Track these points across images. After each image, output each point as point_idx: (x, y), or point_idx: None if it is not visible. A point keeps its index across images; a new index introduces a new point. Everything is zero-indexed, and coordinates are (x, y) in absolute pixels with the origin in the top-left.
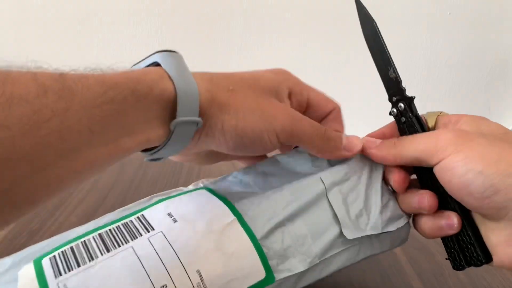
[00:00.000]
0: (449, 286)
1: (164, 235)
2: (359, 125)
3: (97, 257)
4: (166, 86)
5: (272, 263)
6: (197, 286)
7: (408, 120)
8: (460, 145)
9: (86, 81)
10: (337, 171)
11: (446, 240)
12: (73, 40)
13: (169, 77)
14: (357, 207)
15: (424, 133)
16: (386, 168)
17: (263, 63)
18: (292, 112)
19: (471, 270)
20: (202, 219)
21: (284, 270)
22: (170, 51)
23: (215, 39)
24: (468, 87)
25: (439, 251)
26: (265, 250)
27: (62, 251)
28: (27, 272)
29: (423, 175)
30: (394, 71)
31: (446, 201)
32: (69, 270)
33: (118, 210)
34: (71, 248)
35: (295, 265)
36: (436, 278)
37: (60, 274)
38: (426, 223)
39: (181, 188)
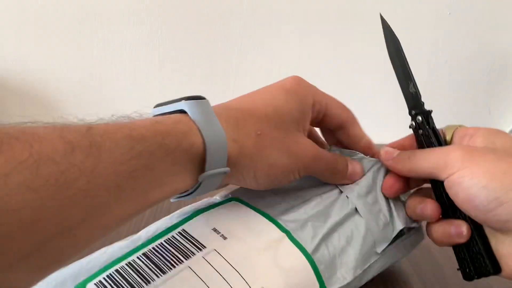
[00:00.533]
0: (449, 286)
1: (218, 252)
2: (361, 124)
3: (153, 280)
4: (194, 140)
5: (323, 275)
6: None
7: (425, 132)
8: (467, 161)
9: (113, 136)
10: (360, 187)
11: (457, 250)
12: (73, 40)
13: (198, 129)
14: (383, 217)
15: (437, 148)
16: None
17: (263, 63)
18: (313, 149)
19: None
20: (251, 235)
21: (336, 282)
22: (198, 97)
23: (215, 39)
24: (468, 87)
25: (439, 252)
26: (317, 263)
27: (108, 275)
28: None
29: (436, 187)
30: (414, 86)
31: (457, 212)
32: None
33: (152, 229)
34: (117, 271)
35: (344, 276)
36: (436, 278)
37: None
38: (437, 230)
39: (208, 198)
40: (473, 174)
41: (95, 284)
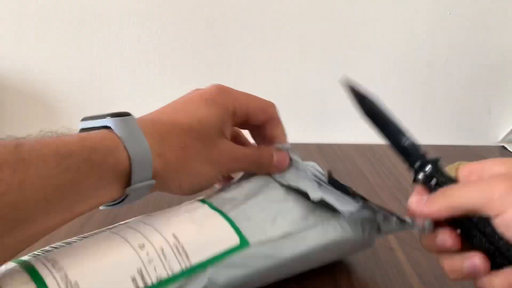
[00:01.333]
0: (449, 286)
1: (140, 220)
2: (359, 126)
3: (74, 242)
4: (120, 155)
5: (243, 230)
6: (175, 246)
7: (441, 180)
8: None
9: (41, 152)
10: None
11: None
12: (73, 40)
13: (123, 145)
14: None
15: (470, 182)
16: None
17: (263, 63)
18: (233, 152)
19: None
20: (175, 208)
21: (257, 235)
22: (124, 114)
23: (215, 39)
24: (468, 87)
25: None
26: (236, 222)
27: (44, 249)
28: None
29: (477, 224)
30: (408, 138)
31: (501, 256)
32: (52, 250)
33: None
34: (53, 247)
35: (268, 230)
36: (436, 278)
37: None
38: (431, 242)
39: None
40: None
41: (33, 256)
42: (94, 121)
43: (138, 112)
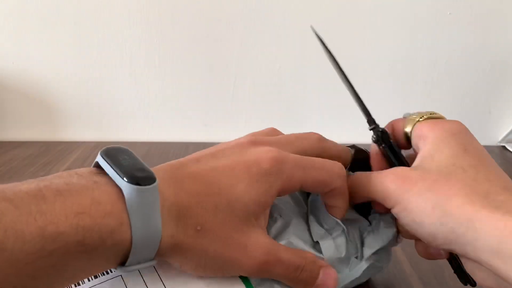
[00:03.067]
0: (449, 286)
1: (155, 269)
2: (359, 126)
3: (83, 282)
4: (122, 237)
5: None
6: None
7: (384, 149)
8: (399, 196)
9: (21, 233)
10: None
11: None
12: (73, 41)
13: (129, 225)
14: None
15: (379, 173)
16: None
17: (263, 63)
18: (265, 254)
19: None
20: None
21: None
22: (145, 178)
23: (215, 39)
24: (468, 87)
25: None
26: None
27: None
28: None
29: None
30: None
31: None
32: None
33: None
34: None
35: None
36: (436, 278)
37: None
38: (421, 250)
39: None
40: (406, 211)
41: None
42: (112, 171)
43: (138, 111)
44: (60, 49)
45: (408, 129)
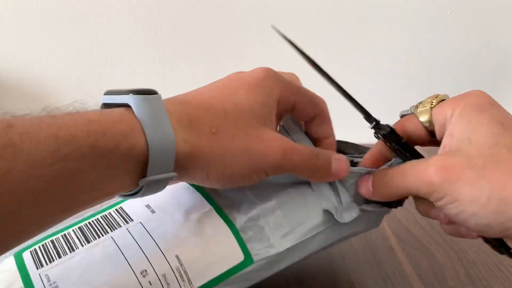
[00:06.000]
0: (450, 286)
1: (143, 225)
2: (360, 124)
3: (77, 248)
4: (136, 141)
5: (249, 246)
6: (176, 270)
7: (395, 147)
8: (447, 188)
9: (35, 135)
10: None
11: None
12: (73, 40)
13: (141, 128)
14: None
15: (412, 167)
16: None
17: (263, 61)
18: (282, 144)
19: (471, 270)
20: (180, 209)
21: (262, 252)
22: (148, 92)
23: (215, 38)
24: (468, 87)
25: (439, 251)
26: (242, 234)
27: (42, 244)
28: (8, 265)
29: None
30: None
31: None
32: (50, 262)
33: (98, 205)
34: (52, 241)
35: (273, 245)
36: (436, 278)
37: (42, 266)
38: (447, 229)
39: None
40: (457, 203)
41: (30, 251)
42: (115, 96)
43: None
44: (60, 49)
45: (424, 119)
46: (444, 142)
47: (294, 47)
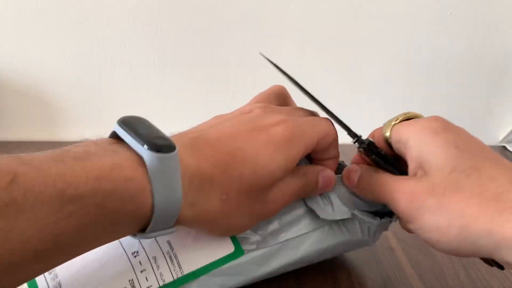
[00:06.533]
0: (449, 286)
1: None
2: (360, 126)
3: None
4: (143, 202)
5: (241, 239)
6: (167, 253)
7: (375, 159)
8: (411, 214)
9: (40, 195)
10: None
11: None
12: (73, 40)
13: (151, 191)
14: (323, 200)
15: (389, 184)
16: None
17: (263, 63)
18: (283, 198)
19: (471, 270)
20: None
21: (254, 246)
22: (166, 147)
23: (215, 39)
24: (468, 87)
25: (439, 252)
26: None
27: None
28: None
29: None
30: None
31: None
32: None
33: None
34: None
35: (262, 235)
36: (437, 278)
37: None
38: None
39: None
40: (422, 230)
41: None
42: (131, 139)
43: (138, 111)
44: (60, 49)
45: (387, 135)
46: (410, 165)
47: (280, 70)
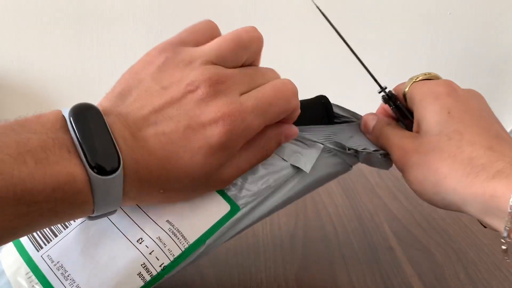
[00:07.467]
0: (449, 286)
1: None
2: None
3: (70, 224)
4: (89, 208)
5: (231, 193)
6: (170, 231)
7: (394, 108)
8: (401, 166)
9: (1, 198)
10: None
11: None
12: (73, 40)
13: (93, 199)
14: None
15: (392, 137)
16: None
17: (263, 62)
18: (223, 183)
19: (471, 270)
20: None
21: (245, 196)
22: (114, 167)
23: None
24: (467, 87)
25: (439, 251)
26: (226, 191)
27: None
28: (9, 252)
29: None
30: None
31: None
32: (48, 242)
33: None
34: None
35: (253, 188)
36: (436, 278)
37: (41, 247)
38: None
39: None
40: (409, 182)
41: (26, 236)
42: (81, 152)
43: None
44: (60, 49)
45: (405, 90)
46: (414, 124)
47: (326, 19)
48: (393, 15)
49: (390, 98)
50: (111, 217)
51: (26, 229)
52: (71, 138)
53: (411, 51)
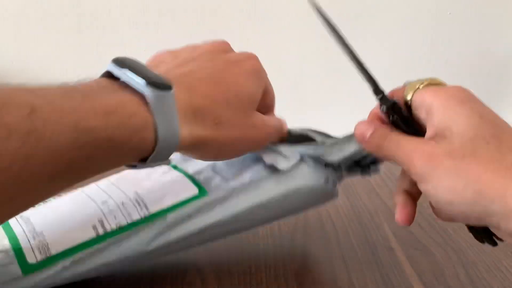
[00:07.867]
0: (449, 286)
1: (110, 181)
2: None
3: (50, 200)
4: (147, 135)
5: (202, 179)
6: (134, 199)
7: (395, 120)
8: (427, 173)
9: (57, 126)
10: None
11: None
12: (73, 40)
13: (154, 126)
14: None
15: (407, 143)
16: None
17: (262, 62)
18: (268, 125)
19: (471, 270)
20: (145, 171)
21: (218, 186)
22: (163, 85)
23: (215, 38)
24: (467, 87)
25: (439, 251)
26: (196, 177)
27: None
28: None
29: None
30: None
31: None
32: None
33: None
34: None
35: (228, 180)
36: (436, 278)
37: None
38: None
39: None
40: (435, 189)
41: None
42: (131, 78)
43: None
44: (60, 50)
45: (408, 97)
46: (429, 131)
47: (324, 19)
48: (392, 15)
49: (393, 108)
50: (87, 191)
51: (85, 165)
52: (120, 81)
53: (411, 52)
